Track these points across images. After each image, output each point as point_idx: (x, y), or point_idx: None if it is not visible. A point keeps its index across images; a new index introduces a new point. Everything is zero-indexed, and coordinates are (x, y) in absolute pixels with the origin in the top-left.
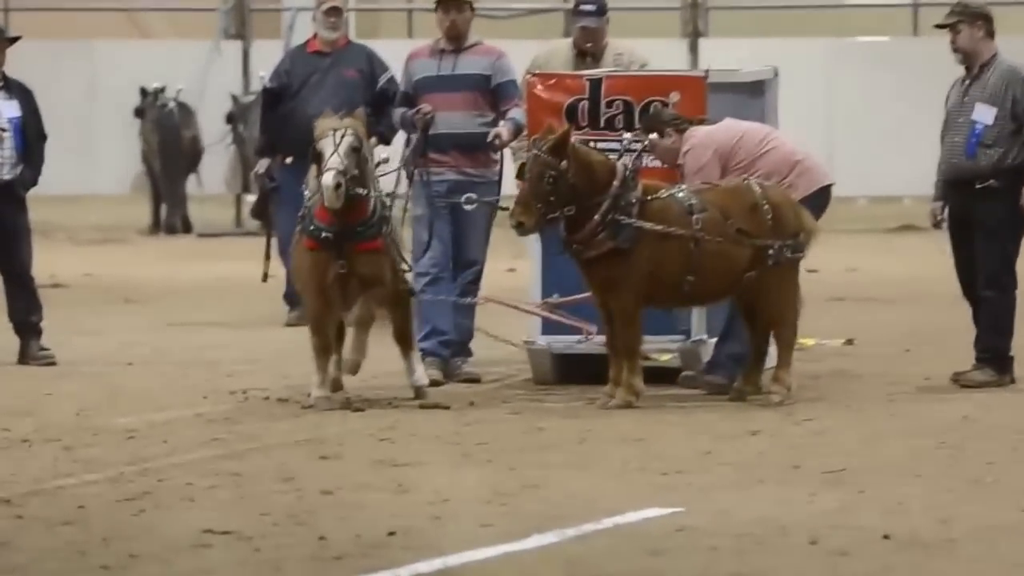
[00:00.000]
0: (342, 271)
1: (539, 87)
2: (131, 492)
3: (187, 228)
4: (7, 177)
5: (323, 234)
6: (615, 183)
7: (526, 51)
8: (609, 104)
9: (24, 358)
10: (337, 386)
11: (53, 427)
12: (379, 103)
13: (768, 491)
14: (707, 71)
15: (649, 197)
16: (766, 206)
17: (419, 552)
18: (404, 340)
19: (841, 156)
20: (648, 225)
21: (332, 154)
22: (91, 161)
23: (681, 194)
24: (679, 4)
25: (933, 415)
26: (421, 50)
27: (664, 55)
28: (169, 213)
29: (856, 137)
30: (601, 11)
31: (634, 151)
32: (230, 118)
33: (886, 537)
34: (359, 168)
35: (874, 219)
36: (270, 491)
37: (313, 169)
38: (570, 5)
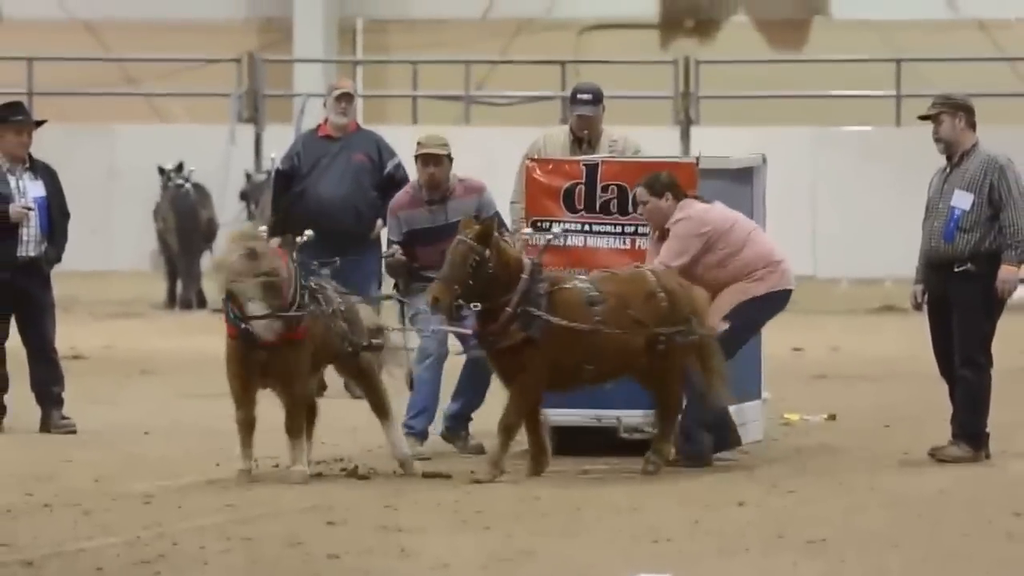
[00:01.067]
0: (261, 359)
1: (538, 172)
2: (147, 555)
3: (201, 303)
4: (33, 254)
5: (242, 324)
6: (524, 275)
7: (525, 137)
8: (604, 189)
9: (46, 426)
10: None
11: (73, 492)
12: (386, 187)
13: (753, 559)
14: (698, 157)
15: (554, 288)
16: (661, 293)
17: None
18: (380, 412)
19: (825, 239)
20: (555, 320)
21: (249, 301)
22: (110, 239)
23: (582, 284)
24: (671, 93)
25: (911, 488)
26: (403, 201)
27: (657, 142)
28: (184, 289)
29: (839, 221)
30: (597, 100)
31: (550, 240)
32: (243, 195)
33: None
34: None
35: (856, 300)
36: (279, 555)
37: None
38: (567, 93)
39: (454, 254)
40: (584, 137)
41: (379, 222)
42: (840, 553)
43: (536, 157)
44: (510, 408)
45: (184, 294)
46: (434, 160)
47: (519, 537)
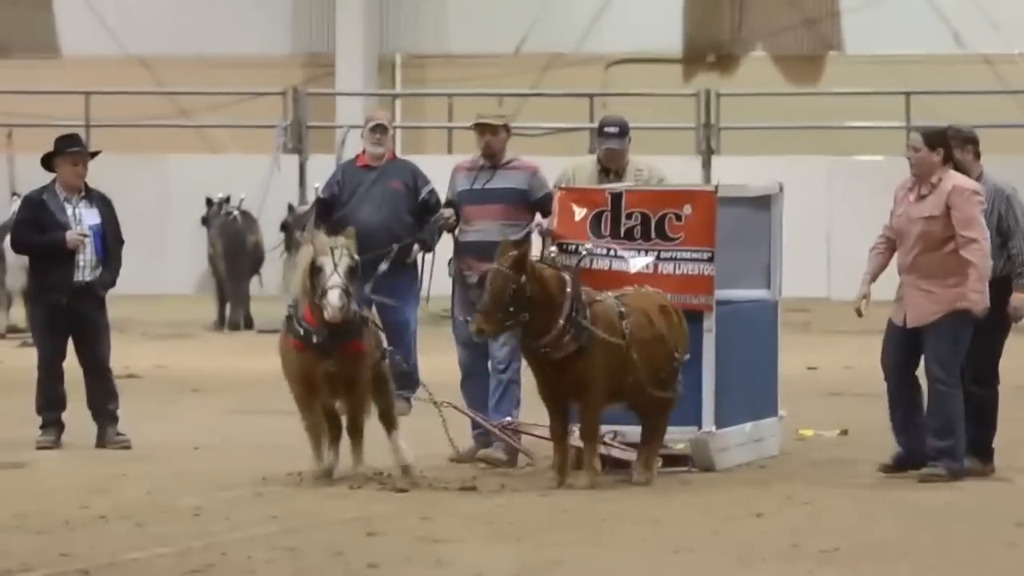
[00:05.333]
0: (331, 370)
1: (568, 201)
2: (197, 565)
3: (249, 325)
4: (88, 279)
5: (313, 337)
6: (568, 289)
7: (555, 165)
8: (628, 216)
9: (101, 442)
10: (329, 473)
11: (127, 505)
12: (421, 212)
13: (770, 568)
14: (717, 186)
15: (593, 301)
16: (670, 308)
17: None
18: (387, 421)
19: (839, 263)
20: (599, 333)
21: (332, 272)
22: (163, 263)
23: (610, 299)
24: (694, 124)
25: (920, 500)
26: (464, 163)
27: (680, 171)
28: (233, 311)
29: (853, 246)
30: (623, 132)
31: (582, 256)
32: (284, 226)
33: None
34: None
35: (869, 321)
36: (322, 564)
37: (300, 276)
38: (595, 125)
39: (493, 285)
40: (611, 168)
41: (415, 246)
42: (853, 562)
43: (565, 186)
44: (587, 422)
45: (233, 316)
46: (490, 130)
47: (548, 547)
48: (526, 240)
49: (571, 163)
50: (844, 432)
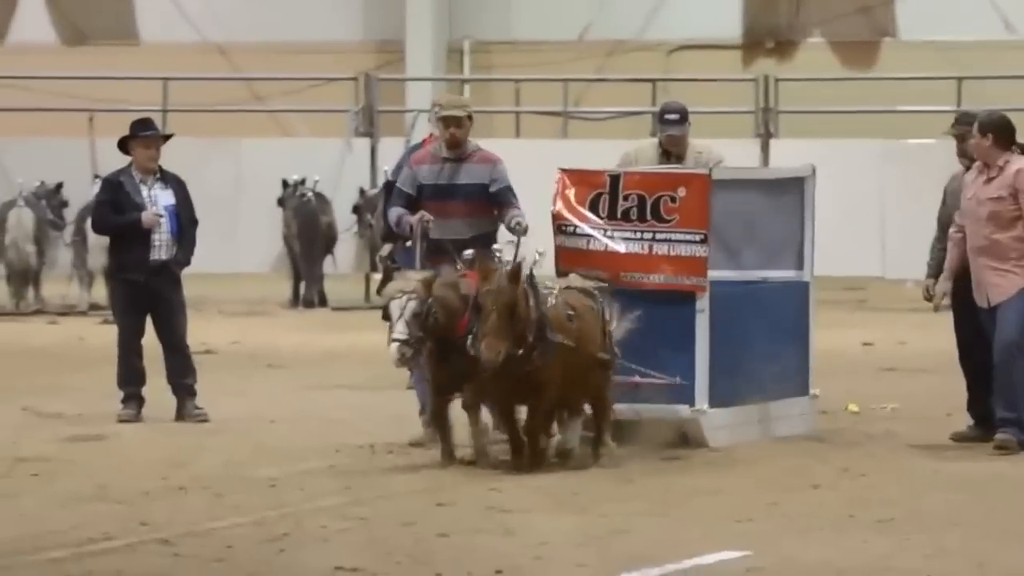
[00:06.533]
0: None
1: (567, 182)
2: (273, 534)
3: (323, 302)
4: (164, 258)
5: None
6: (532, 303)
7: (618, 149)
8: (626, 198)
9: (180, 416)
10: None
11: (205, 476)
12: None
13: (826, 537)
14: (711, 168)
15: (548, 306)
16: (594, 307)
17: None
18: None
19: (892, 243)
20: (566, 341)
21: (399, 319)
22: (239, 243)
23: (558, 301)
24: (752, 108)
25: (970, 472)
26: (424, 156)
27: (739, 153)
28: (307, 289)
29: (904, 226)
30: (684, 119)
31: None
32: (356, 209)
33: None
34: (423, 330)
35: (921, 298)
36: (393, 533)
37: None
38: (656, 109)
39: (498, 303)
40: (673, 152)
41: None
42: (906, 531)
43: (566, 169)
44: (539, 424)
45: (307, 294)
46: (455, 122)
47: (613, 517)
48: (493, 239)
49: (633, 146)
50: (894, 408)
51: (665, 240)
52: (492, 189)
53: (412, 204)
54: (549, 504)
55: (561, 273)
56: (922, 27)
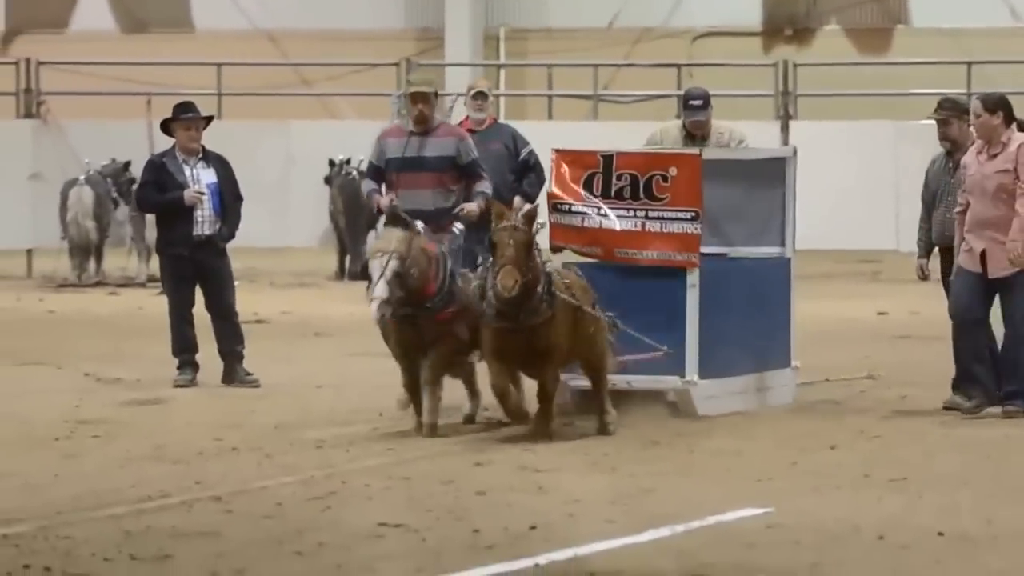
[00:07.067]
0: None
1: (563, 162)
2: (320, 492)
3: (367, 275)
4: (208, 232)
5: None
6: (539, 257)
7: (645, 130)
8: (619, 177)
9: (230, 381)
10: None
11: (256, 438)
12: (521, 171)
13: (843, 495)
14: (701, 149)
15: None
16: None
17: (555, 543)
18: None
19: (906, 218)
20: (565, 296)
21: (379, 279)
22: (288, 219)
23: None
24: (772, 92)
25: (980, 434)
26: (391, 131)
27: (760, 134)
28: (352, 262)
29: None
30: (707, 104)
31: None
32: None
33: (940, 534)
34: (404, 287)
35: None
36: (434, 491)
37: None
38: (681, 93)
39: (515, 239)
40: (697, 134)
41: (516, 199)
42: (919, 490)
43: (561, 149)
44: (551, 383)
45: (352, 267)
46: (423, 98)
47: (641, 477)
48: (455, 207)
49: (659, 127)
50: (872, 376)
51: (658, 218)
52: (463, 162)
53: (379, 175)
54: (580, 464)
55: (555, 249)
56: (933, 15)
